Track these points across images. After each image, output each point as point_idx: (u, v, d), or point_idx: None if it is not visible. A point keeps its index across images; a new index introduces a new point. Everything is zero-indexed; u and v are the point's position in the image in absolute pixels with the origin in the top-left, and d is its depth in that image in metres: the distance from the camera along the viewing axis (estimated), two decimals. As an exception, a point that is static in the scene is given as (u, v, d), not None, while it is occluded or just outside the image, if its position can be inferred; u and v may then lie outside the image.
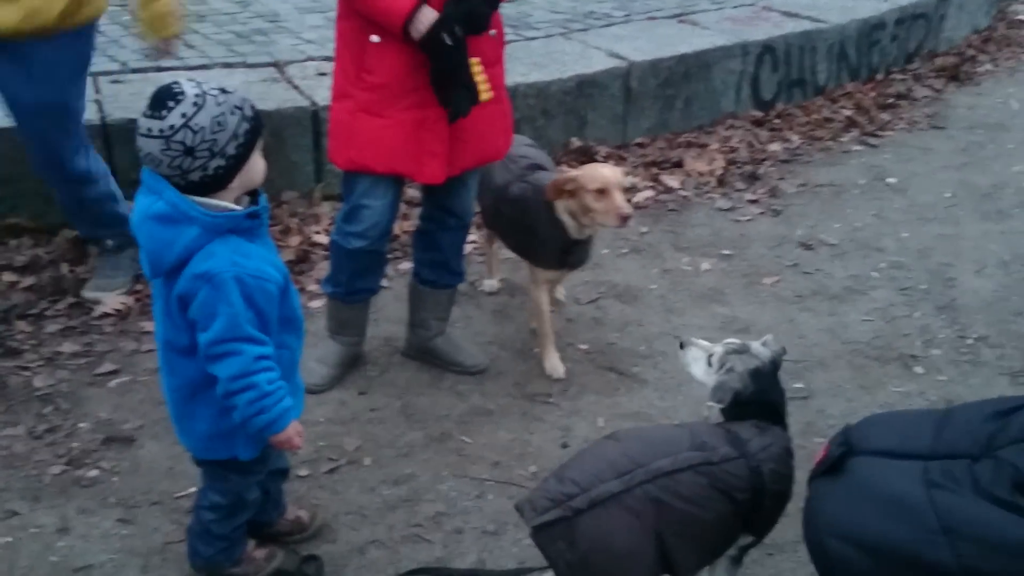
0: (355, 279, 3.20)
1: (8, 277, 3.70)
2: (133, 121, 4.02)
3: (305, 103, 4.42)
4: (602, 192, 3.03)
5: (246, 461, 2.24)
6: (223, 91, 1.99)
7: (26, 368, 3.27)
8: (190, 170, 1.96)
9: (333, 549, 2.59)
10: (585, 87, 5.08)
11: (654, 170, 5.07)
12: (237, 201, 2.08)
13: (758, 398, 2.24)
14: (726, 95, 5.70)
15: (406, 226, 4.16)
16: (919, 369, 3.48)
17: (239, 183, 2.05)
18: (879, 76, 6.62)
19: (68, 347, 3.39)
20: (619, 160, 5.08)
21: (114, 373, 3.28)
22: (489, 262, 3.93)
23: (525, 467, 2.94)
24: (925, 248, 4.37)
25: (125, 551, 2.55)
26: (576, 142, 5.09)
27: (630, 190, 3.14)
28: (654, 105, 5.40)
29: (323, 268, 3.83)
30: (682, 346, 2.44)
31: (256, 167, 2.07)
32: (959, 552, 1.78)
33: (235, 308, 1.99)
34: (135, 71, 4.67)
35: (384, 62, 2.78)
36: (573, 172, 3.17)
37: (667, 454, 2.08)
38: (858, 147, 5.57)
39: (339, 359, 3.32)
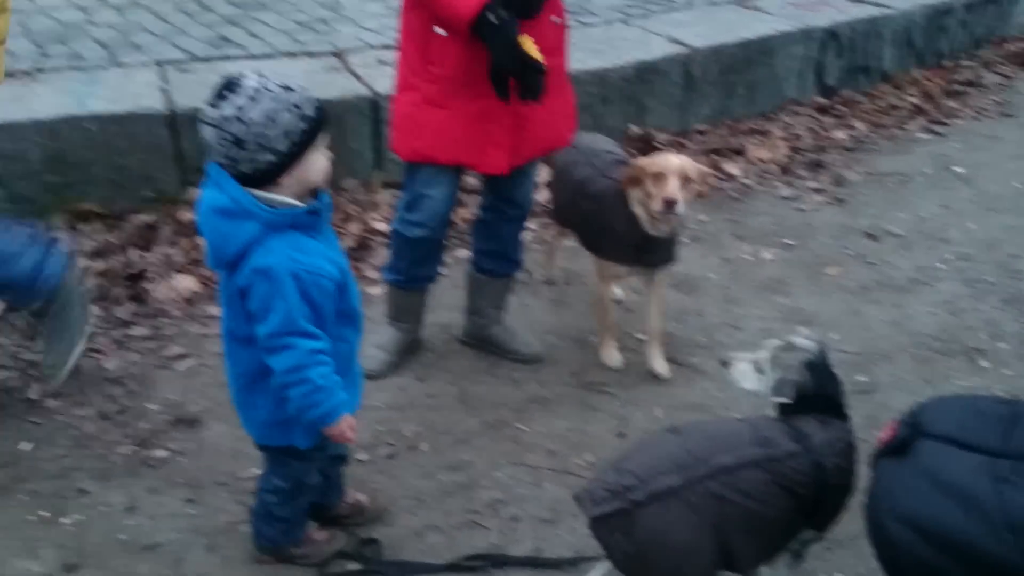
0: (415, 267, 3.23)
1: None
2: (199, 110, 4.11)
3: (365, 92, 4.45)
4: (659, 177, 3.00)
5: (304, 449, 2.29)
6: (286, 88, 2.01)
7: (98, 351, 3.35)
8: (239, 161, 2.00)
9: (391, 533, 2.62)
10: (645, 73, 5.04)
11: (715, 157, 5.02)
12: (299, 198, 2.11)
13: (818, 391, 2.21)
14: (789, 81, 5.62)
15: (464, 214, 4.18)
16: (985, 363, 3.41)
17: (293, 180, 2.06)
18: (947, 63, 6.47)
19: (137, 331, 3.47)
20: (679, 148, 5.04)
21: (182, 356, 3.35)
22: (550, 253, 3.91)
23: (581, 456, 2.94)
24: (993, 239, 4.27)
25: (191, 530, 2.61)
26: (635, 129, 5.06)
27: (690, 180, 3.06)
28: (715, 91, 5.34)
29: (382, 255, 3.87)
30: (725, 364, 2.38)
31: (314, 167, 2.08)
32: (1024, 550, 1.75)
33: (290, 303, 2.03)
34: (201, 60, 4.75)
35: (450, 54, 2.79)
36: (642, 159, 3.14)
37: (728, 449, 2.07)
38: (924, 135, 5.46)
39: (397, 345, 3.35)
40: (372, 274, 3.85)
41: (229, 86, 2.00)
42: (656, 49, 5.17)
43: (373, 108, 4.43)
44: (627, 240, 3.17)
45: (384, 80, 4.49)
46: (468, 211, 4.21)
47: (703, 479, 2.02)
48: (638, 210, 3.10)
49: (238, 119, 1.97)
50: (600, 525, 2.04)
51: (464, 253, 3.98)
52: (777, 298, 3.83)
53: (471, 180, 4.14)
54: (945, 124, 5.60)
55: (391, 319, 3.38)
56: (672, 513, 1.99)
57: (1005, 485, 1.80)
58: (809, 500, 2.09)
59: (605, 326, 3.39)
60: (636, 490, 2.01)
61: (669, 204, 2.97)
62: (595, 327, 3.54)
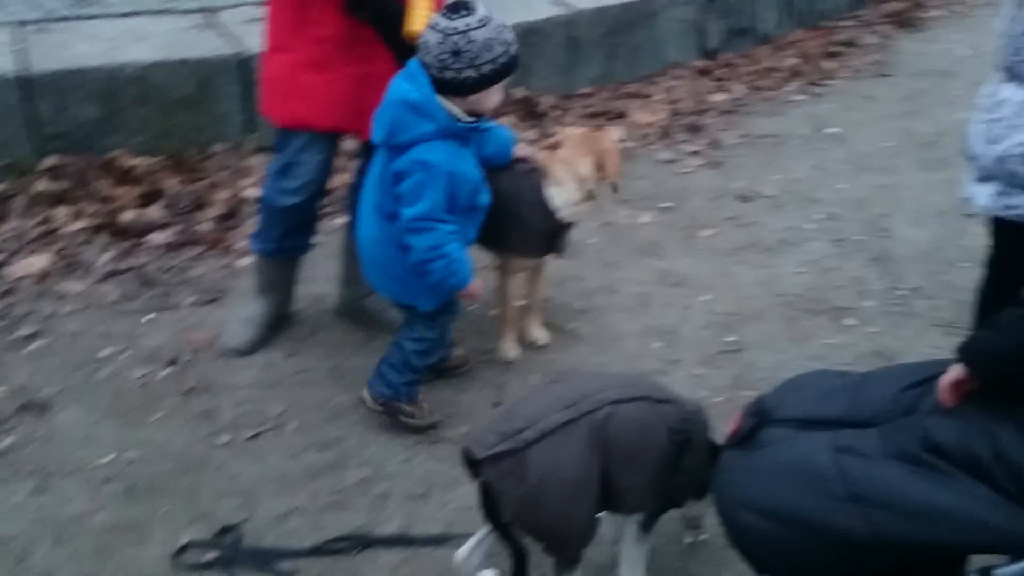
0: (286, 237, 3.14)
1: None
2: (59, 73, 3.85)
3: (235, 51, 4.28)
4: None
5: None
6: (504, 26, 2.44)
7: (-59, 333, 3.18)
8: (447, 68, 2.39)
9: (252, 518, 2.55)
10: (528, 36, 4.97)
11: (598, 121, 5.00)
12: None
13: None
14: (671, 44, 5.63)
15: (341, 180, 4.06)
16: (851, 321, 3.48)
17: (471, 100, 2.47)
18: (826, 23, 6.57)
19: (-15, 309, 3.30)
20: (563, 111, 5.02)
21: (32, 337, 3.20)
22: None
23: (456, 428, 2.91)
24: (862, 199, 4.36)
25: (38, 522, 2.50)
26: (519, 92, 5.00)
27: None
28: (599, 54, 5.32)
29: (253, 224, 3.73)
30: None
31: (491, 98, 2.51)
32: (871, 520, 1.78)
33: (439, 195, 2.49)
34: (61, 19, 4.49)
35: (330, 13, 2.70)
36: (604, 143, 3.08)
37: (614, 387, 2.16)
38: (801, 96, 5.53)
39: (266, 319, 3.25)
40: (242, 244, 3.73)
41: (465, 7, 2.38)
42: (540, 10, 5.12)
43: (243, 68, 4.26)
44: (543, 228, 3.03)
45: (255, 39, 4.31)
46: (346, 177, 4.09)
47: (591, 411, 2.07)
48: (562, 194, 2.98)
49: (465, 35, 2.36)
50: (491, 470, 2.04)
51: (340, 221, 3.88)
52: (652, 261, 3.85)
53: (350, 144, 4.03)
54: (822, 85, 5.67)
55: (259, 291, 3.27)
56: (564, 448, 2.03)
57: (844, 455, 1.83)
58: (680, 448, 2.14)
59: (507, 319, 3.24)
60: (527, 431, 2.04)
61: None
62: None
